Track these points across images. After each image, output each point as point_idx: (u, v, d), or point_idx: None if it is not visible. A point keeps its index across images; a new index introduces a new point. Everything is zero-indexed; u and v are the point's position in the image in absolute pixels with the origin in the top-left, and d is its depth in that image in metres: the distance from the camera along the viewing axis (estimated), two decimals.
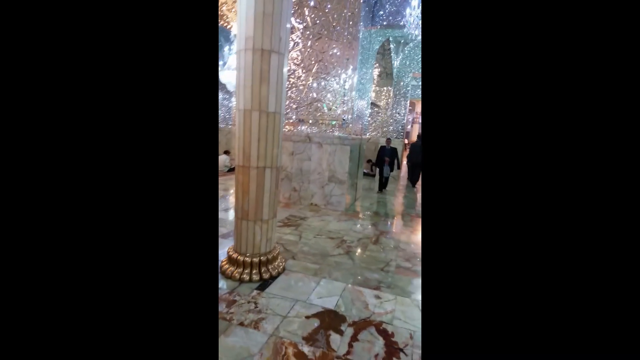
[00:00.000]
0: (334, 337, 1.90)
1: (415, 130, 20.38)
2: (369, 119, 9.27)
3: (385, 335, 1.96)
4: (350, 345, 1.83)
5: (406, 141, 12.20)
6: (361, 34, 4.72)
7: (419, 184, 8.31)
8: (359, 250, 3.40)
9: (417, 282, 2.76)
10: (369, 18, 5.11)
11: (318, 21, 4.76)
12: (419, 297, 2.49)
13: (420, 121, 23.46)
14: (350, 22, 4.60)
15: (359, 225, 4.35)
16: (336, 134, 4.88)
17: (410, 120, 20.32)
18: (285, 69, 2.50)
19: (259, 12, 2.26)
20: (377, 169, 7.09)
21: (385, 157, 6.68)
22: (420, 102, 17.75)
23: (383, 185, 7.04)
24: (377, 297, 2.43)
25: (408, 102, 9.59)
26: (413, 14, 3.98)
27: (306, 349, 1.78)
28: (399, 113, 9.55)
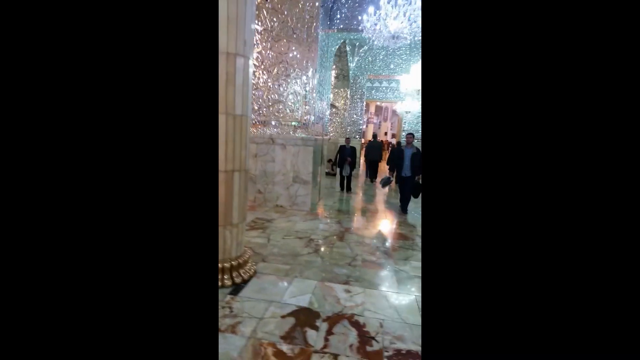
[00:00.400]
0: (310, 333, 1.97)
1: (370, 130, 21.16)
2: (330, 119, 9.47)
3: (358, 326, 2.08)
4: (326, 339, 1.92)
5: (363, 140, 12.65)
6: (320, 36, 4.84)
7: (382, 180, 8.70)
8: (326, 248, 3.51)
9: (383, 274, 2.94)
10: (326, 21, 5.25)
11: (277, 24, 4.77)
12: (385, 288, 2.66)
13: (374, 121, 24.46)
14: (309, 25, 4.69)
15: (324, 224, 4.46)
16: (299, 134, 4.94)
17: (364, 121, 21.08)
18: (250, 72, 2.51)
19: (223, 16, 2.25)
20: (338, 169, 7.02)
21: (347, 156, 6.62)
22: (389, 104, 18.41)
23: (347, 186, 6.95)
24: (347, 291, 2.56)
25: (364, 103, 9.97)
26: (371, 20, 4.18)
27: (285, 347, 1.83)
28: (356, 114, 9.88)
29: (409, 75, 8.19)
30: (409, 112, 10.47)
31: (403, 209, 5.39)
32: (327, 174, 9.09)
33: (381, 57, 9.49)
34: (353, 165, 6.90)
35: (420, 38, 4.19)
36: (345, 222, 4.66)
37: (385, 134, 26.86)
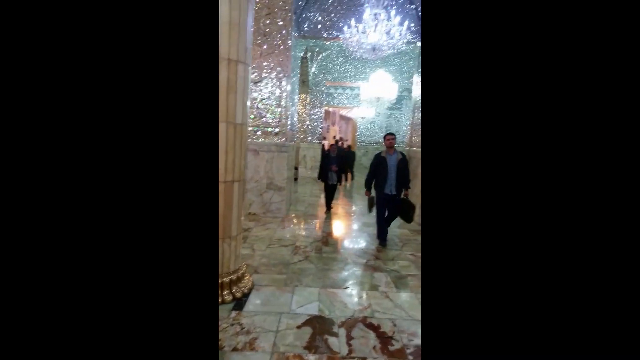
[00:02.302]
0: (332, 340, 1.99)
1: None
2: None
3: (374, 328, 2.16)
4: (349, 344, 1.96)
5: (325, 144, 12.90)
6: (291, 42, 4.85)
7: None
8: (315, 254, 3.53)
9: (378, 275, 3.07)
10: (295, 27, 5.28)
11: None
12: (385, 288, 2.78)
13: (323, 125, 24.92)
14: (282, 32, 4.68)
15: (304, 230, 4.47)
16: (274, 140, 4.88)
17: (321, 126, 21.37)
18: (249, 79, 2.45)
19: (224, 21, 2.16)
20: (323, 182, 5.57)
21: (332, 164, 5.41)
22: (338, 109, 18.75)
23: (329, 200, 5.60)
24: (351, 295, 2.62)
25: (323, 109, 10.17)
26: (352, 31, 4.33)
27: (312, 358, 1.82)
28: (315, 119, 10.04)
29: (367, 83, 8.60)
30: (364, 117, 10.96)
31: (382, 240, 3.87)
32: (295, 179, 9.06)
33: (338, 64, 9.79)
34: (341, 176, 5.38)
35: (395, 50, 4.46)
36: (324, 226, 4.72)
37: (334, 137, 27.56)
